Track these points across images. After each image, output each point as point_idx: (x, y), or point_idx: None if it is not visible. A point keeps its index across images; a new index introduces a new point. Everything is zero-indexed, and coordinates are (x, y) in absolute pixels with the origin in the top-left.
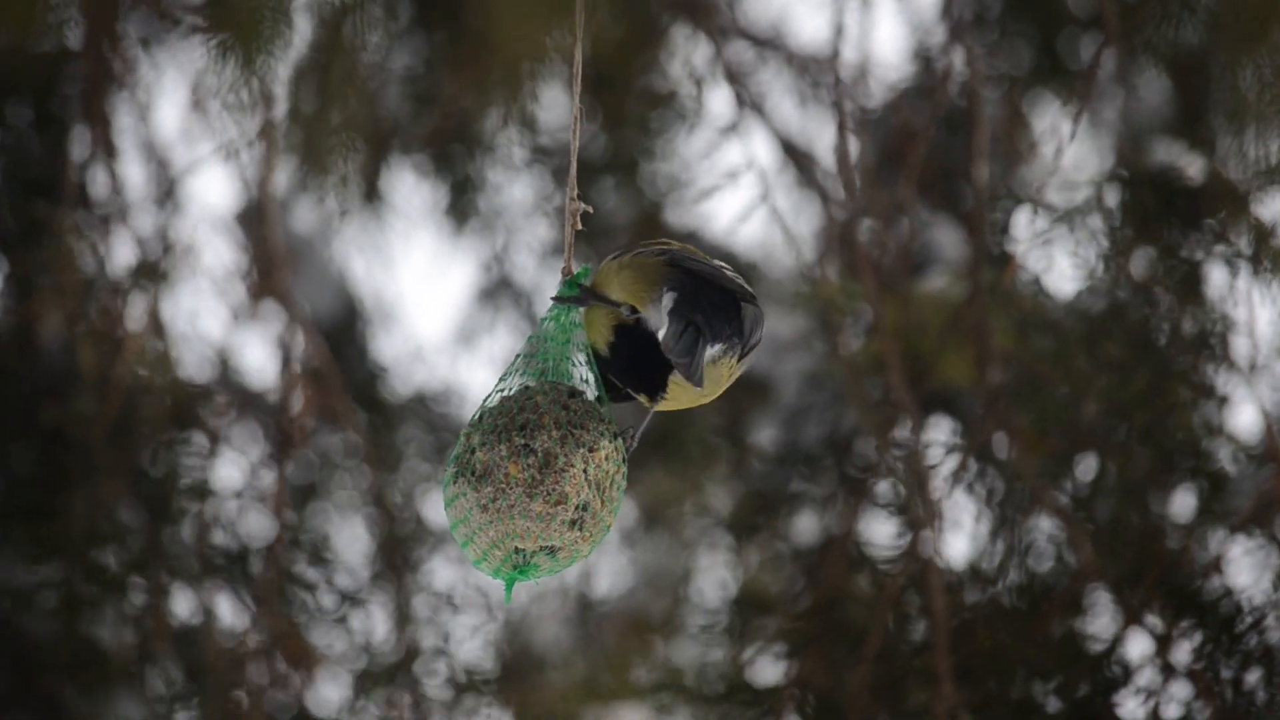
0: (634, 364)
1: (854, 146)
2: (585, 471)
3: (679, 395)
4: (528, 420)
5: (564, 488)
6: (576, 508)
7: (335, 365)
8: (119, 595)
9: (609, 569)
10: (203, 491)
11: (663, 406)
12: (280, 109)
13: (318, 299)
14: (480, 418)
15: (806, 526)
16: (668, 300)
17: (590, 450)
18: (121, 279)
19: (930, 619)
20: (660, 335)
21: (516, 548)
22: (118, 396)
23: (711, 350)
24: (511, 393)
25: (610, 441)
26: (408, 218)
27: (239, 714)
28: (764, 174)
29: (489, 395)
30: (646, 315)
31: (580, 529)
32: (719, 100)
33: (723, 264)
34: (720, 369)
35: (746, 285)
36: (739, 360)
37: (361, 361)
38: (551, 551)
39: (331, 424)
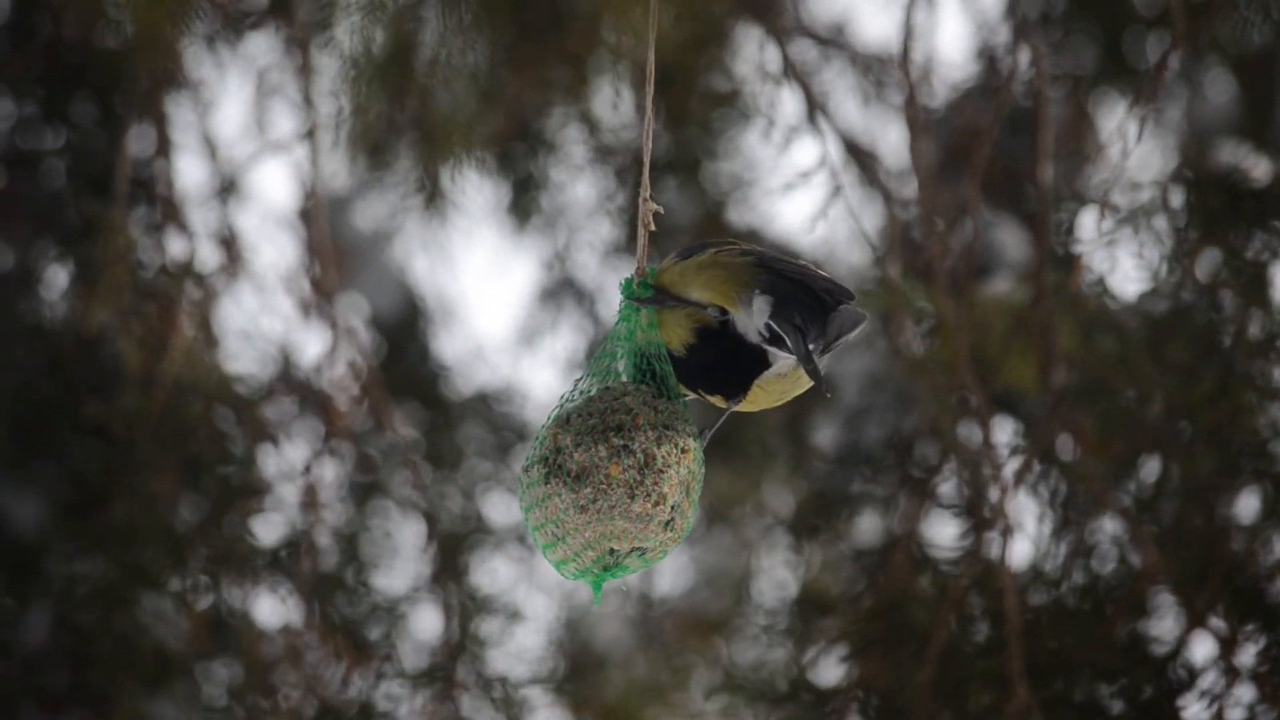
0: (717, 365)
1: (921, 145)
2: (679, 472)
3: (758, 398)
4: (622, 421)
5: (663, 489)
6: (671, 508)
7: (391, 364)
8: (170, 592)
9: (670, 568)
10: (255, 489)
11: (741, 408)
12: (344, 106)
13: (379, 297)
14: (567, 418)
15: (868, 527)
16: (762, 303)
17: (683, 451)
18: (175, 275)
19: (1001, 620)
20: (786, 343)
21: (612, 549)
22: (164, 392)
23: (822, 358)
24: (592, 393)
25: (695, 441)
26: (470, 216)
27: (290, 711)
28: (836, 171)
29: (566, 395)
30: (735, 316)
31: (671, 529)
32: (786, 99)
33: (808, 264)
34: (800, 371)
35: (836, 282)
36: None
37: (423, 360)
38: (642, 551)
39: (386, 422)
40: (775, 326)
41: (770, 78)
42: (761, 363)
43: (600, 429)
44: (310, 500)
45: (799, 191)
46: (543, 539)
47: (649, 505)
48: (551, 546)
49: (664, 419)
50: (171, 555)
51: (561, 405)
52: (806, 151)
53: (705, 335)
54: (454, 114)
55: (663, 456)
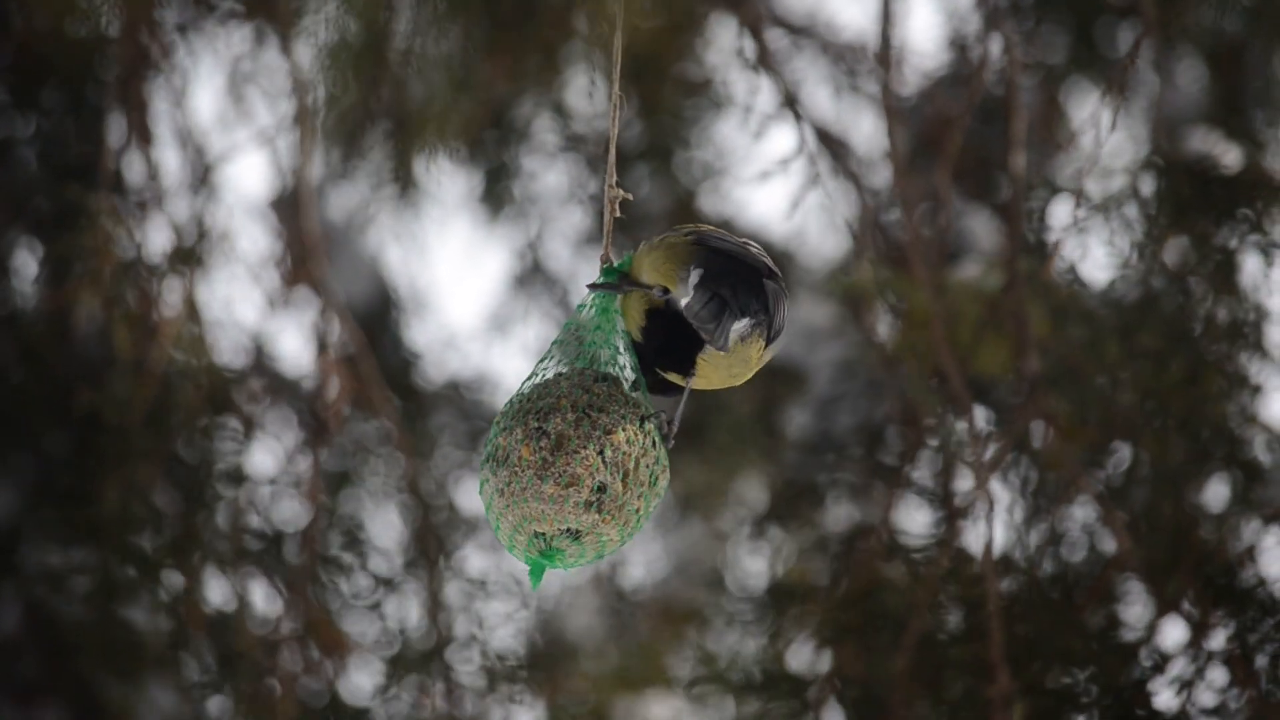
0: (666, 344)
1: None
2: (602, 454)
3: (709, 373)
4: (546, 405)
5: (575, 469)
6: (592, 490)
7: (369, 352)
8: (153, 581)
9: (642, 558)
10: (237, 477)
11: (695, 385)
12: (317, 95)
13: (352, 286)
14: (510, 404)
15: (841, 515)
16: (694, 276)
17: (607, 433)
18: (157, 264)
19: (976, 607)
20: (683, 303)
21: (536, 531)
22: (152, 382)
23: (739, 324)
24: (543, 379)
25: (635, 425)
26: (442, 205)
27: (272, 701)
28: (814, 159)
29: (523, 383)
30: (676, 295)
31: (599, 511)
32: (759, 88)
33: (748, 241)
34: (750, 349)
35: (770, 263)
36: (768, 344)
37: (395, 349)
38: (575, 536)
39: (365, 411)
40: (694, 291)
41: (745, 66)
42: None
43: (523, 412)
44: (296, 489)
45: (775, 180)
46: (491, 522)
47: (560, 487)
48: (496, 530)
49: (596, 401)
50: (153, 545)
51: (518, 393)
52: (781, 140)
53: (654, 316)
54: (427, 103)
55: (579, 438)
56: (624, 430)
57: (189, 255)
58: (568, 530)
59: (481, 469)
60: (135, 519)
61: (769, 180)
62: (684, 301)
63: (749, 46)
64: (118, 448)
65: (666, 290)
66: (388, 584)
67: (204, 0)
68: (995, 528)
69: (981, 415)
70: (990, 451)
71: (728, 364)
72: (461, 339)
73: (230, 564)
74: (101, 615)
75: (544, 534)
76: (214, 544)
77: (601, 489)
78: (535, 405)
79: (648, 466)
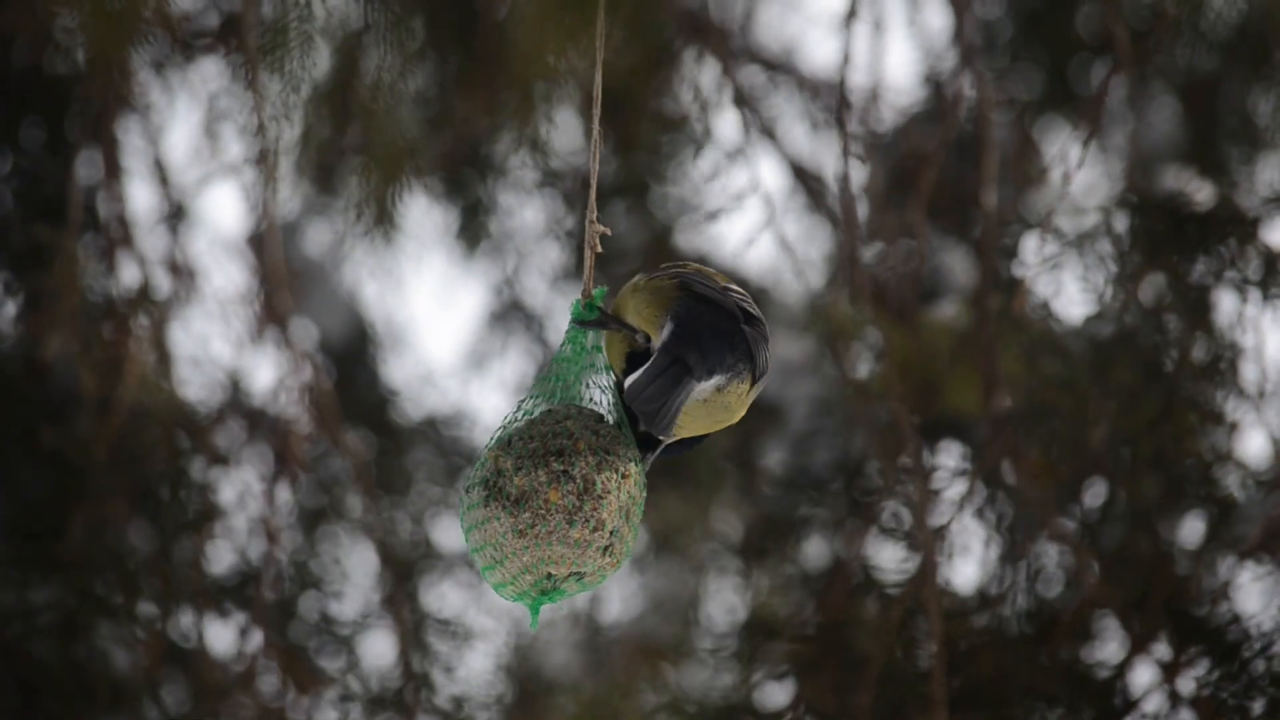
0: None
1: (862, 171)
2: (619, 498)
3: (689, 424)
4: (563, 446)
5: (602, 514)
6: (609, 534)
7: (338, 390)
8: (121, 617)
9: (619, 594)
10: (206, 514)
11: (682, 434)
12: (293, 131)
13: (328, 322)
14: (509, 440)
15: (816, 551)
16: (666, 331)
17: (623, 476)
18: (126, 301)
19: (948, 644)
20: (629, 379)
21: (549, 573)
22: (119, 418)
23: (705, 384)
24: (535, 415)
25: (635, 466)
26: (419, 241)
27: None
28: (769, 198)
29: (509, 417)
30: (656, 343)
31: (610, 554)
32: (728, 124)
33: (730, 286)
34: (728, 396)
35: (751, 307)
36: (752, 386)
37: (372, 385)
38: (580, 576)
39: (335, 448)
40: (656, 355)
41: (703, 101)
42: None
43: (541, 453)
44: (265, 526)
45: (734, 216)
46: (482, 561)
47: (587, 531)
48: (491, 569)
49: (605, 443)
50: (125, 582)
51: (505, 427)
52: (742, 177)
53: (633, 361)
54: (398, 139)
55: (602, 482)
56: (633, 473)
57: (158, 292)
58: (577, 572)
59: (481, 506)
60: (103, 556)
61: (726, 217)
62: (633, 375)
63: (712, 84)
64: (84, 485)
65: (649, 338)
66: (360, 621)
67: (179, 38)
68: (949, 565)
69: (955, 452)
70: (954, 488)
71: (707, 412)
72: (439, 375)
73: (199, 600)
74: (75, 652)
75: (555, 575)
76: (183, 581)
77: (614, 533)
78: (549, 445)
79: (640, 506)
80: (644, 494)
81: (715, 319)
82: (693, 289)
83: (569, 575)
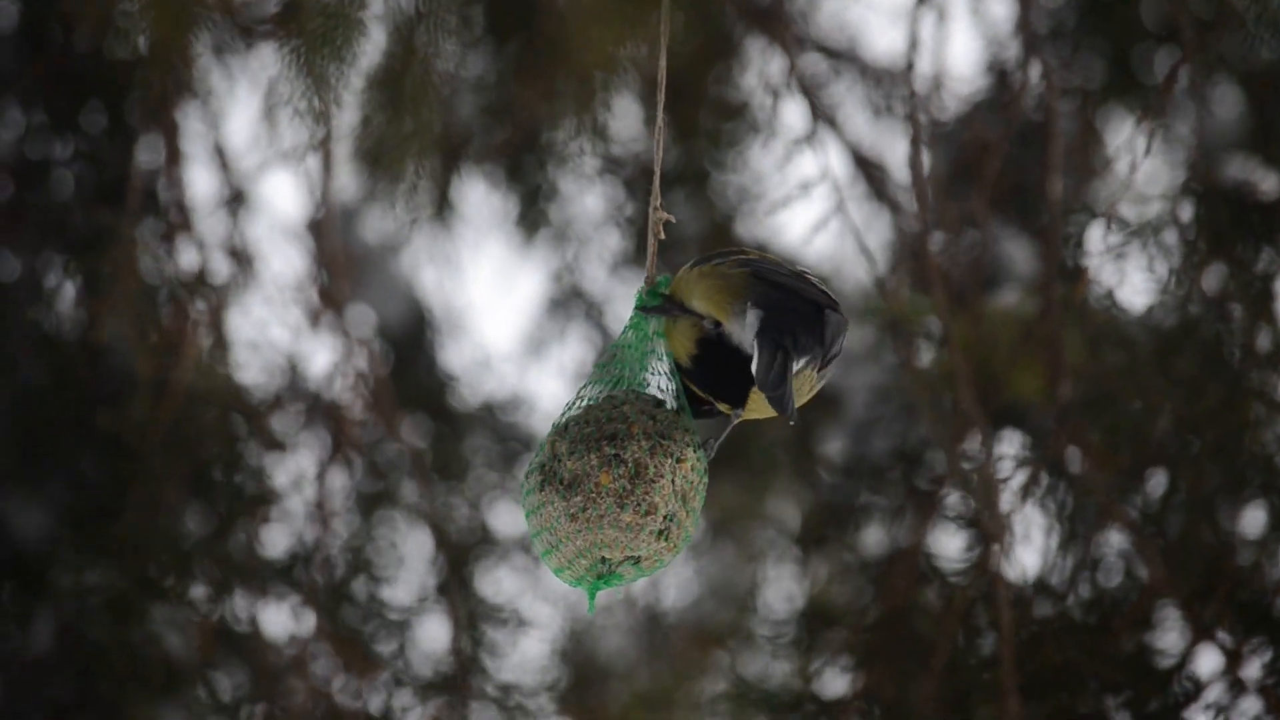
0: (716, 375)
1: (927, 160)
2: (673, 482)
3: (760, 406)
4: (617, 430)
5: (654, 498)
6: (664, 518)
7: (398, 375)
8: (175, 601)
9: (676, 580)
10: (262, 498)
11: (749, 416)
12: (351, 117)
13: (387, 308)
14: (566, 425)
15: (875, 539)
16: (753, 318)
17: (678, 461)
18: (186, 285)
19: (998, 633)
20: (753, 366)
21: (603, 557)
22: (175, 402)
23: (796, 365)
24: (595, 401)
25: (694, 452)
26: (478, 227)
27: None
28: (838, 185)
29: (570, 403)
30: (729, 328)
31: (666, 539)
32: (792, 112)
33: (803, 270)
34: (801, 381)
35: (829, 292)
36: (819, 370)
37: (430, 371)
38: (636, 560)
39: (390, 434)
40: (757, 344)
41: (772, 90)
42: (749, 368)
43: (594, 437)
44: (320, 510)
45: (800, 204)
46: (540, 546)
47: (639, 515)
48: (548, 553)
49: (661, 428)
50: (180, 565)
51: (565, 413)
52: (809, 165)
53: (705, 345)
54: (455, 125)
55: (655, 466)
56: (690, 458)
57: (216, 277)
58: (633, 556)
59: (538, 491)
60: (158, 539)
61: (791, 205)
62: (753, 362)
63: (775, 72)
64: (140, 468)
65: (718, 323)
66: (417, 605)
67: (240, 23)
68: (1015, 554)
69: (1017, 441)
70: (1020, 478)
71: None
72: (497, 361)
73: (255, 584)
74: (130, 635)
75: (610, 559)
76: (239, 564)
77: (670, 517)
78: (605, 430)
79: (700, 492)
80: (705, 480)
81: (796, 304)
82: (766, 278)
83: (625, 559)
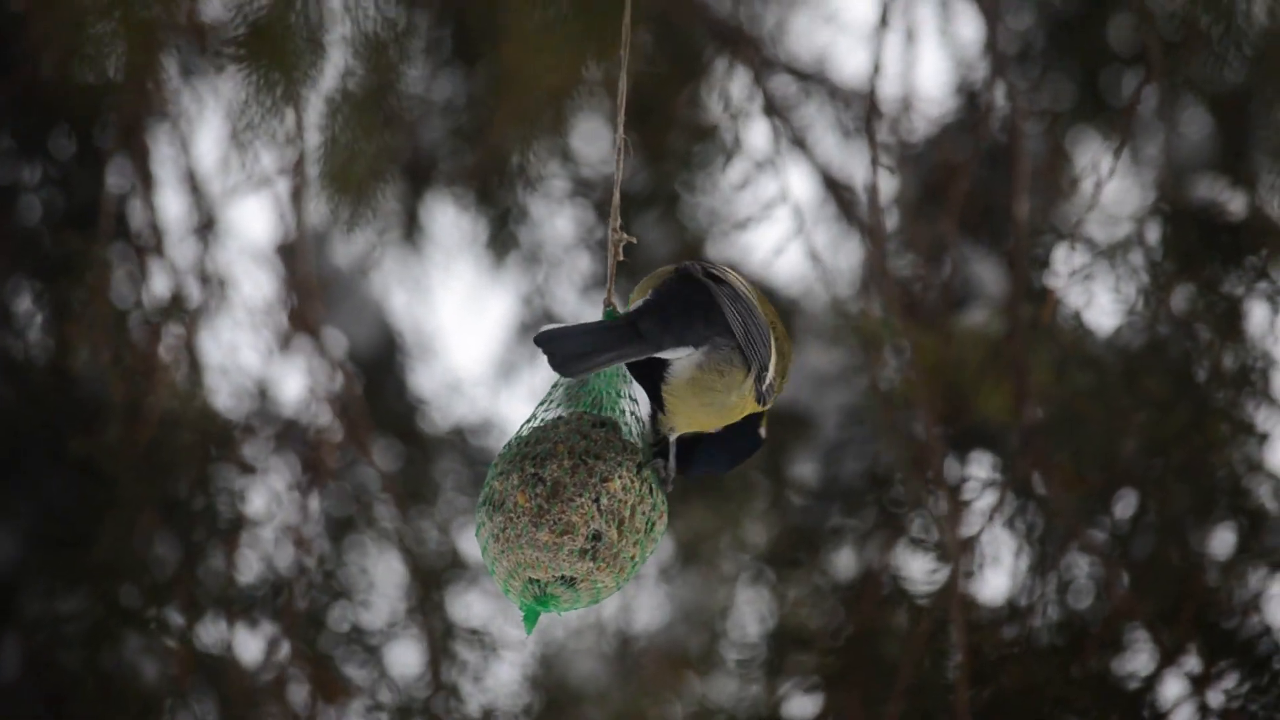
0: (638, 375)
1: (893, 181)
2: (597, 501)
3: (679, 407)
4: (542, 450)
5: (570, 517)
6: (587, 538)
7: (368, 398)
8: (149, 627)
9: (647, 604)
10: (235, 523)
11: (676, 420)
12: (316, 140)
13: (357, 331)
14: (507, 448)
15: (846, 562)
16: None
17: (604, 480)
18: (158, 310)
19: (978, 655)
20: (551, 326)
21: (530, 578)
22: (148, 427)
23: (678, 354)
24: (544, 423)
25: (631, 471)
26: (448, 251)
27: None
28: (799, 208)
29: (522, 426)
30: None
31: (594, 559)
32: (758, 134)
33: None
34: (710, 376)
35: (720, 272)
36: (748, 376)
37: (400, 394)
38: (569, 583)
39: (363, 457)
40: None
41: (734, 112)
42: (658, 366)
43: (520, 458)
44: (292, 536)
45: (763, 226)
46: (487, 565)
47: (555, 534)
48: (492, 574)
49: (592, 447)
50: (153, 591)
51: (516, 436)
52: (771, 186)
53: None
54: (423, 149)
55: (574, 485)
56: (620, 477)
57: (188, 302)
58: (562, 577)
59: (478, 512)
60: (131, 565)
61: (755, 226)
62: (542, 328)
63: (742, 93)
64: (113, 494)
65: None
66: (388, 630)
67: (209, 46)
68: (976, 576)
69: (986, 462)
70: (984, 499)
71: (695, 394)
72: (467, 384)
73: (227, 610)
74: (102, 662)
75: (539, 580)
76: (211, 590)
77: (597, 537)
78: (533, 450)
79: (644, 513)
80: (653, 500)
81: (691, 293)
82: (687, 273)
83: (554, 580)
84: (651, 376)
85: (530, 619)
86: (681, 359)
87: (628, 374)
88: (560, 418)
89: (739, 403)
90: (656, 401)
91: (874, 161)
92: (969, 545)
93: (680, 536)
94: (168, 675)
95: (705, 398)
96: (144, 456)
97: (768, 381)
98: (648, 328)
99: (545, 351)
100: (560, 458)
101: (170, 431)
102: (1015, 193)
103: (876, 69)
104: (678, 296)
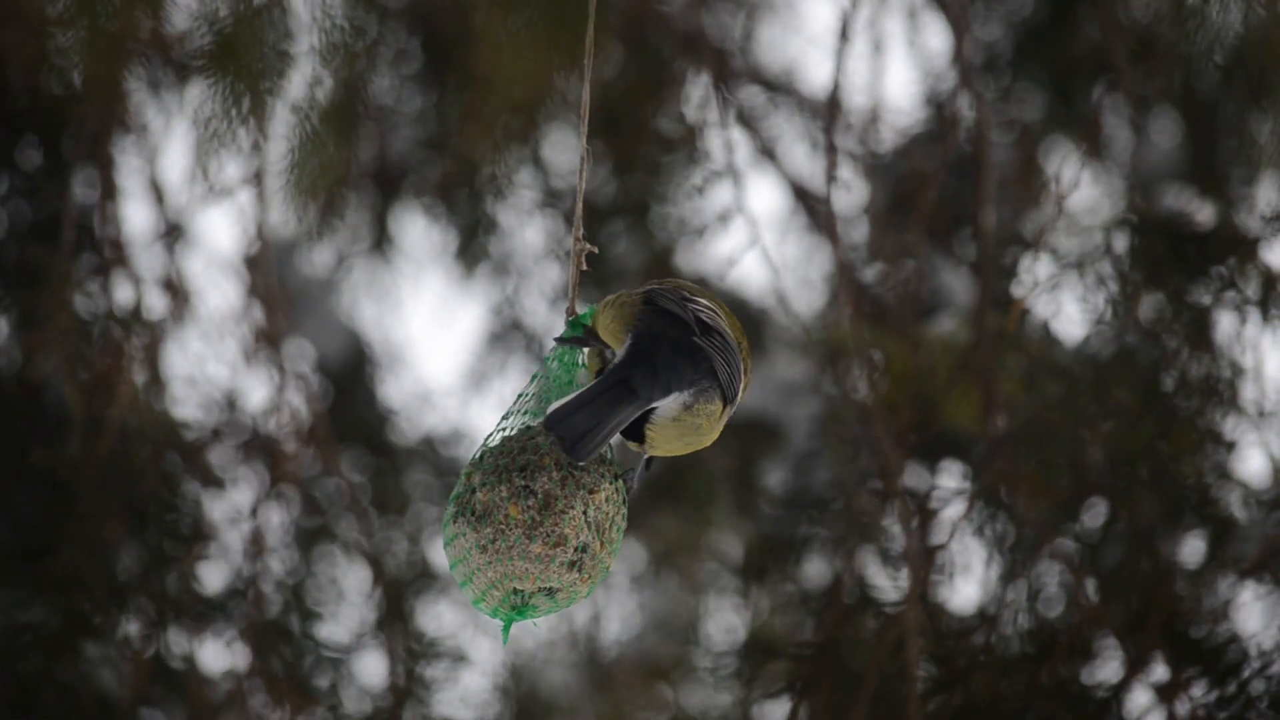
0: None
1: (853, 192)
2: (585, 513)
3: (662, 443)
4: (529, 461)
5: (563, 530)
6: (575, 549)
7: (337, 409)
8: (111, 637)
9: (618, 613)
10: (198, 534)
11: (655, 452)
12: (283, 150)
13: (326, 342)
14: (481, 457)
15: (816, 570)
16: (621, 350)
17: (590, 492)
18: (122, 320)
19: (936, 664)
20: (558, 402)
21: (515, 588)
22: (110, 438)
23: (667, 402)
24: (513, 432)
25: (611, 483)
26: (417, 261)
27: None
28: (753, 219)
29: (490, 434)
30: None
31: (579, 570)
32: (723, 144)
33: (697, 298)
34: (697, 416)
35: (709, 318)
36: (724, 408)
37: (369, 405)
38: (550, 593)
39: (328, 468)
40: (600, 379)
41: (695, 124)
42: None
43: (506, 469)
44: (256, 546)
45: (719, 235)
46: (458, 577)
47: (548, 546)
48: (465, 585)
49: None
50: (115, 601)
51: (484, 444)
52: (727, 196)
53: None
54: (400, 160)
55: (565, 497)
56: (604, 489)
57: (152, 312)
58: (545, 588)
59: (452, 523)
60: (94, 576)
61: (713, 235)
62: (557, 402)
63: (710, 104)
64: (75, 505)
65: (616, 353)
66: (355, 640)
67: (174, 59)
68: (943, 586)
69: (955, 471)
70: (952, 508)
71: (678, 433)
72: (437, 395)
73: (190, 620)
74: (62, 672)
75: (522, 591)
76: (174, 600)
77: (584, 549)
78: (517, 461)
79: (618, 524)
80: (623, 510)
81: (676, 333)
82: (656, 302)
83: (538, 591)
84: (637, 419)
85: (506, 629)
86: (668, 402)
87: (583, 382)
88: (531, 427)
89: (712, 432)
90: (637, 437)
91: (830, 174)
92: (935, 554)
93: (652, 546)
94: (129, 685)
95: (689, 437)
96: (106, 467)
97: (738, 404)
98: (640, 383)
99: (556, 436)
100: (549, 470)
101: (133, 442)
102: (981, 202)
103: (836, 83)
104: (662, 340)
